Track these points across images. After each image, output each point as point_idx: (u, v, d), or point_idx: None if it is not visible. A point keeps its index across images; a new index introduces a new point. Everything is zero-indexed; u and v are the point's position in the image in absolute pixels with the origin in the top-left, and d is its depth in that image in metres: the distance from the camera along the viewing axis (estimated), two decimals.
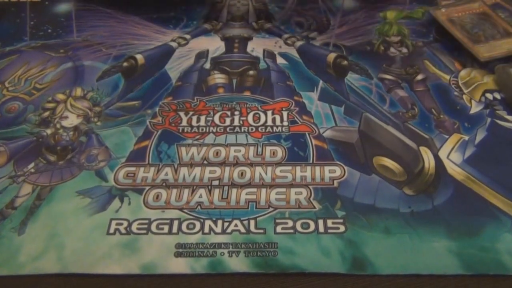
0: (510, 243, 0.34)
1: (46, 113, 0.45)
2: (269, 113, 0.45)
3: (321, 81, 0.48)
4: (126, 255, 0.34)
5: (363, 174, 0.39)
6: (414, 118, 0.44)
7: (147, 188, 0.38)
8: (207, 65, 0.51)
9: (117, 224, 0.36)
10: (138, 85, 0.48)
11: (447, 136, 0.42)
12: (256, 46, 0.53)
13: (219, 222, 0.36)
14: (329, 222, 0.36)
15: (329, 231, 0.35)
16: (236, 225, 0.36)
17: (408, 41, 0.53)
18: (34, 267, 0.33)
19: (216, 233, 0.35)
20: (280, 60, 0.51)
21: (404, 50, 0.52)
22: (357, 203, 0.37)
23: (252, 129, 0.43)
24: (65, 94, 0.47)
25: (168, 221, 0.36)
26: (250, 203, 0.37)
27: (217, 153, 0.41)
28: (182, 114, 0.45)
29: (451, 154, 0.40)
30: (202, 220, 0.36)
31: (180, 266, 0.33)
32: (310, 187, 0.38)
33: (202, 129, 0.43)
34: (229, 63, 0.51)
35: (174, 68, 0.50)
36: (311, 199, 0.37)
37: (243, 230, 0.35)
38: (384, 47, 0.53)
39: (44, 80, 0.49)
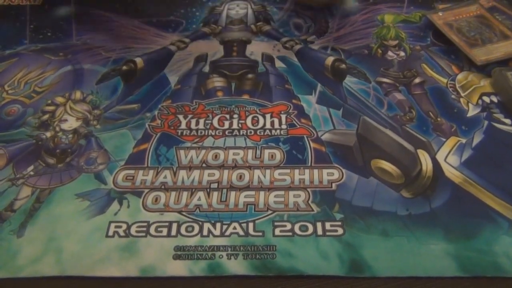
0: (507, 246, 0.34)
1: (46, 116, 0.45)
2: (268, 116, 0.45)
3: (319, 85, 0.49)
4: (125, 258, 0.34)
5: (361, 177, 0.39)
6: (412, 121, 0.44)
7: (146, 191, 0.38)
8: (206, 69, 0.51)
9: (116, 226, 0.36)
10: (137, 88, 0.48)
11: (444, 139, 0.42)
12: (255, 50, 0.53)
13: (218, 225, 0.36)
14: (327, 225, 0.36)
15: (328, 233, 0.35)
16: (234, 228, 0.36)
17: (405, 45, 0.53)
18: (33, 270, 0.33)
19: (214, 236, 0.35)
20: (278, 64, 0.52)
21: (402, 53, 0.52)
22: (355, 206, 0.37)
23: (250, 132, 0.43)
24: (65, 97, 0.47)
25: (167, 224, 0.36)
26: (248, 205, 0.37)
27: (216, 156, 0.41)
28: (181, 117, 0.45)
29: (448, 157, 0.41)
30: (200, 223, 0.36)
31: (179, 268, 0.33)
32: (309, 189, 0.38)
33: (201, 132, 0.43)
34: (228, 67, 0.51)
35: (173, 72, 0.51)
36: (309, 202, 0.37)
37: (241, 232, 0.35)
38: (382, 50, 0.53)
39: (43, 83, 0.49)
